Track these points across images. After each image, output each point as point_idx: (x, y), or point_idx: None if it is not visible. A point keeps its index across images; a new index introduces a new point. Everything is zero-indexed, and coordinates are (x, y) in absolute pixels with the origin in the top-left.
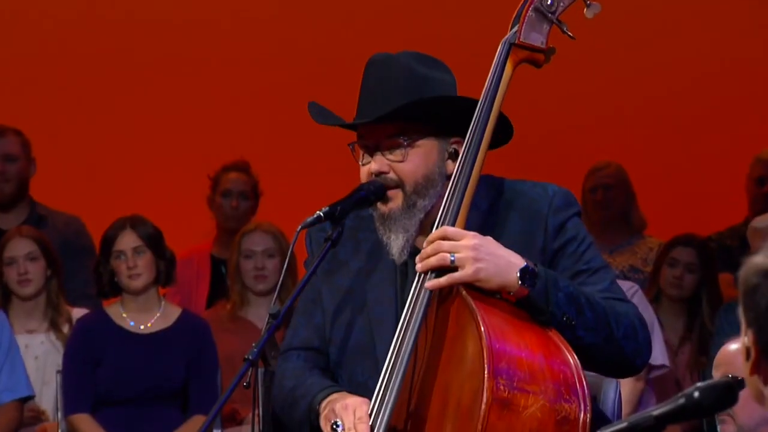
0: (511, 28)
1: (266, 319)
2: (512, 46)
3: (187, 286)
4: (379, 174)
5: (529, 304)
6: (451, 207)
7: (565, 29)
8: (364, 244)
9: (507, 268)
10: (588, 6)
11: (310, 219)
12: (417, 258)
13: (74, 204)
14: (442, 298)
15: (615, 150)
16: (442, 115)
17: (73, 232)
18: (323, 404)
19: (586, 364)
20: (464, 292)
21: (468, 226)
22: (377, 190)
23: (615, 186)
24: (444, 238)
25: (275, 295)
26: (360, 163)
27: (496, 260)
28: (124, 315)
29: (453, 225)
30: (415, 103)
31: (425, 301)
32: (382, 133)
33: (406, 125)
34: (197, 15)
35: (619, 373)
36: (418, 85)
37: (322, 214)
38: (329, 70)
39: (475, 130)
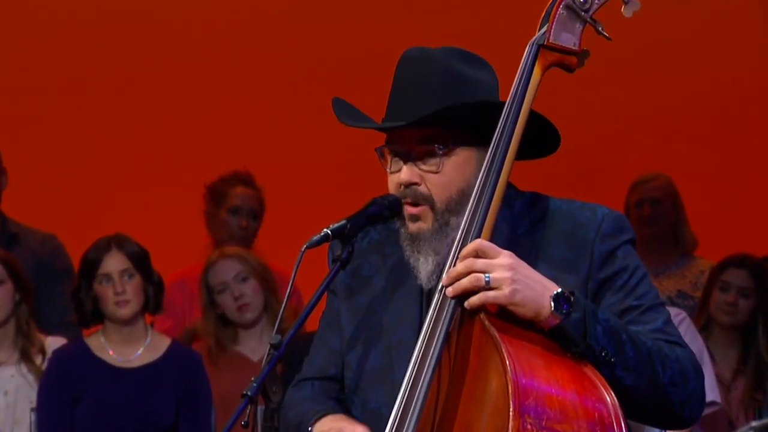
0: (540, 29)
1: (267, 350)
2: (541, 48)
3: (179, 313)
4: (409, 185)
5: (562, 334)
6: (473, 227)
7: (600, 29)
8: (389, 259)
9: (543, 293)
10: (626, 3)
11: (316, 237)
12: (444, 277)
13: (50, 220)
14: (461, 326)
15: (661, 161)
16: (483, 121)
17: (50, 251)
18: (313, 430)
19: (627, 410)
20: (487, 321)
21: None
22: (391, 204)
23: (663, 200)
24: (477, 253)
25: (276, 325)
26: (388, 170)
27: (533, 284)
28: (107, 346)
29: None
30: (456, 108)
31: (447, 321)
32: (415, 138)
33: (442, 131)
34: (184, 15)
35: (665, 424)
36: (458, 86)
37: (329, 231)
38: (330, 74)
39: (499, 140)
